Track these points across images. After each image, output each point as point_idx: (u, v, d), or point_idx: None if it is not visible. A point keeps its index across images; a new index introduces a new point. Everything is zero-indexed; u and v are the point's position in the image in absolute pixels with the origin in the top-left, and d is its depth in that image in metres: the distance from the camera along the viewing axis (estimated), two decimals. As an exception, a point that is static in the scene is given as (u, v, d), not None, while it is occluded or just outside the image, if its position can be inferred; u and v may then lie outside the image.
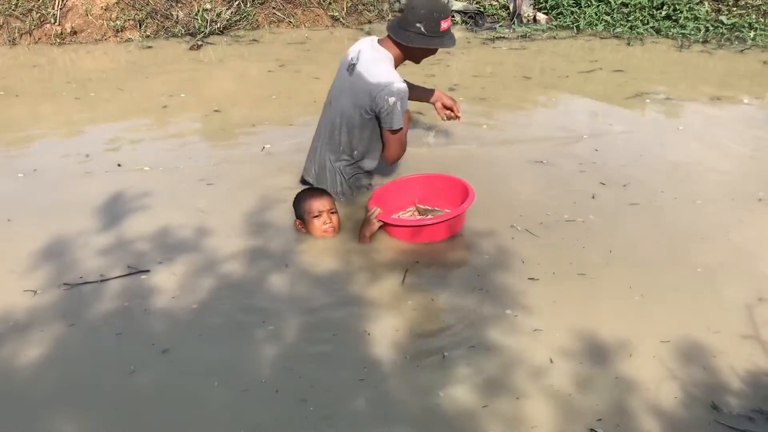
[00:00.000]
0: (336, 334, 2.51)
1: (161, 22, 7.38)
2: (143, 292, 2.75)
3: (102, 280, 2.83)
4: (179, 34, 7.28)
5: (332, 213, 3.17)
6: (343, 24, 7.85)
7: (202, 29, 7.24)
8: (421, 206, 3.45)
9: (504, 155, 4.17)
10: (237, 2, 7.63)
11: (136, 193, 3.62)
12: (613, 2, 7.90)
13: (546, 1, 8.14)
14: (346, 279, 2.87)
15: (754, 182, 3.76)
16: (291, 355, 2.41)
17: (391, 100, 3.13)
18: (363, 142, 3.38)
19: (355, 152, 3.41)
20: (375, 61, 3.24)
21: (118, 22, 7.20)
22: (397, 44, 3.25)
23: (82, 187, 3.73)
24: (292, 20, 7.83)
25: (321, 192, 3.24)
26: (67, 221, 3.30)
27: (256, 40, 7.22)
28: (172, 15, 7.41)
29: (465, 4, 8.15)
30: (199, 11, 7.42)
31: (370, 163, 3.51)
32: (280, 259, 3.01)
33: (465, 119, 3.99)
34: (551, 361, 2.33)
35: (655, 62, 6.60)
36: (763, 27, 7.51)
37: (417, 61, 3.39)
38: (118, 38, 7.22)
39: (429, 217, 3.33)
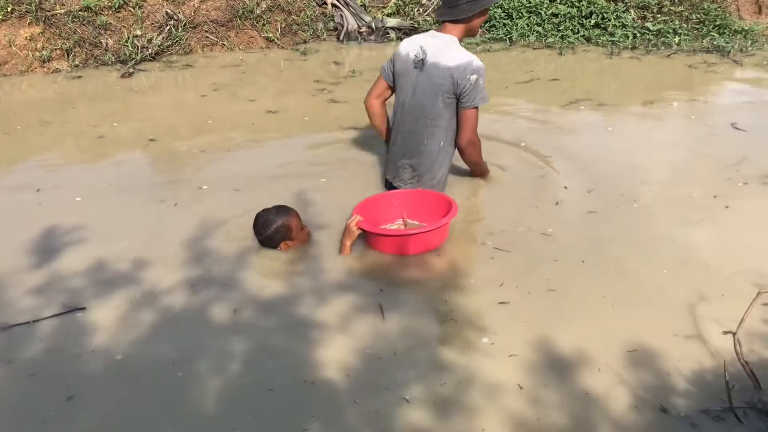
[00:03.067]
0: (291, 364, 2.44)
1: (90, 50, 7.18)
2: (78, 331, 2.62)
3: (34, 321, 2.68)
4: (109, 62, 7.08)
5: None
6: (278, 45, 7.79)
7: (133, 56, 7.07)
8: (409, 220, 3.42)
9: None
10: (168, 27, 7.49)
11: (69, 226, 3.48)
12: (543, 13, 8.05)
13: (478, 15, 8.24)
14: (300, 302, 2.79)
15: (697, 181, 3.85)
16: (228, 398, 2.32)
17: (473, 77, 3.26)
18: (447, 132, 3.47)
19: (442, 142, 3.49)
20: (443, 47, 3.34)
21: (44, 53, 6.97)
22: (455, 24, 3.35)
23: (15, 222, 3.58)
24: (225, 43, 7.72)
25: (288, 210, 3.17)
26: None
27: (189, 65, 7.09)
28: (101, 43, 7.22)
29: (399, 20, 8.20)
30: (129, 38, 7.25)
31: (451, 152, 3.58)
32: (226, 286, 2.92)
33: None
34: (520, 387, 2.27)
35: (588, 70, 6.75)
36: (686, 32, 7.78)
37: (476, 32, 3.47)
38: (45, 69, 6.98)
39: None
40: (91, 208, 3.74)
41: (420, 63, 3.38)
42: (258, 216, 3.17)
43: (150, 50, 7.21)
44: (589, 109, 5.32)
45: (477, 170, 3.79)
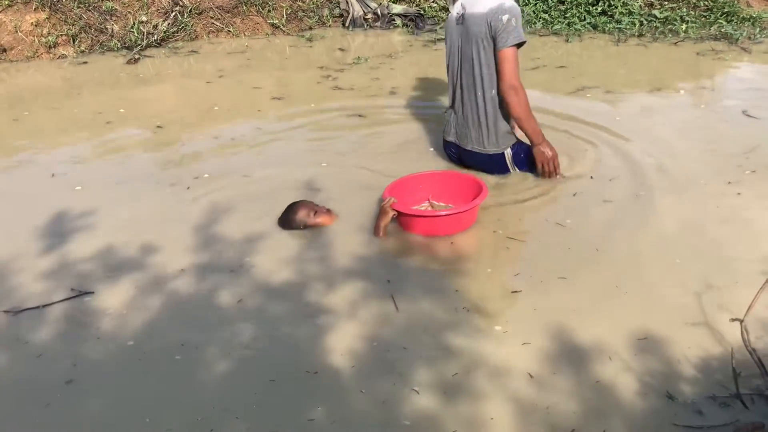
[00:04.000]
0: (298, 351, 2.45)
1: (96, 36, 7.18)
2: (86, 316, 2.64)
3: (43, 306, 2.70)
4: (115, 48, 7.09)
5: (318, 206, 3.30)
6: (284, 31, 7.77)
7: (139, 42, 7.07)
8: (435, 202, 3.45)
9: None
10: (174, 13, 7.48)
11: (78, 212, 3.50)
12: (550, 0, 8.01)
13: (485, 2, 8.19)
14: (309, 289, 2.80)
15: (709, 168, 3.83)
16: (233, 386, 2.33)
17: (505, 17, 3.32)
18: (495, 80, 3.51)
19: (493, 92, 3.53)
20: None
21: (50, 38, 6.97)
22: None
23: (25, 207, 3.61)
24: (231, 30, 7.71)
25: (296, 204, 3.30)
26: (11, 243, 3.17)
27: (195, 51, 7.08)
28: (106, 29, 7.21)
29: (405, 7, 8.16)
30: (134, 24, 7.25)
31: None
32: (234, 272, 2.93)
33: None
34: (531, 376, 2.26)
35: (595, 57, 6.72)
36: (693, 19, 7.73)
37: None
38: (51, 55, 6.99)
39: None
40: (101, 194, 3.76)
41: (461, 18, 3.50)
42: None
43: (156, 36, 7.21)
44: (596, 96, 5.30)
45: (524, 126, 3.55)
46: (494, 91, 3.53)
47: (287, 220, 3.29)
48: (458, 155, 3.80)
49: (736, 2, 8.23)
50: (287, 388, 2.24)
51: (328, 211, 3.33)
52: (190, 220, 3.39)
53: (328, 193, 3.63)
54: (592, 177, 3.75)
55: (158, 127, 4.82)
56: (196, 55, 6.97)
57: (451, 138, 3.78)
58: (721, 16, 7.84)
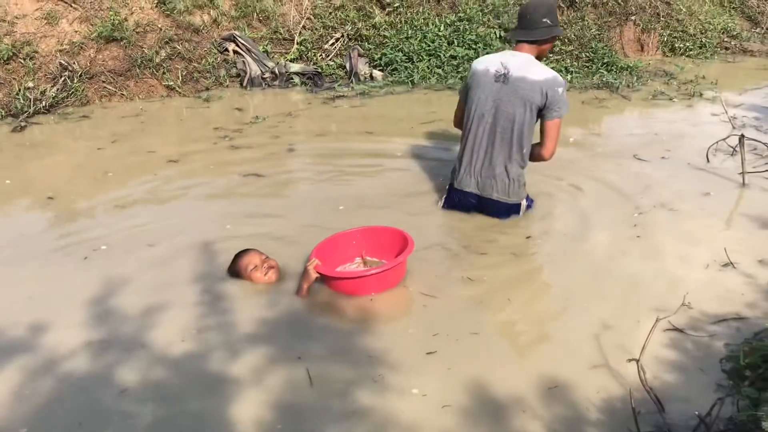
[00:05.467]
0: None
1: (-23, 104, 6.85)
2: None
3: None
4: (-1, 116, 6.77)
5: (266, 260, 3.28)
6: (180, 93, 7.67)
7: (26, 109, 6.78)
8: (369, 258, 3.43)
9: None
10: (63, 78, 7.25)
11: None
12: (442, 56, 8.31)
13: (380, 59, 8.41)
14: (211, 359, 2.71)
15: (613, 212, 4.09)
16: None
17: (560, 90, 3.65)
18: (529, 141, 3.81)
19: (524, 150, 3.82)
20: (527, 63, 3.70)
21: (-74, 108, 6.60)
22: (531, 45, 3.74)
23: None
24: (124, 93, 7.54)
25: (246, 251, 3.34)
26: None
27: (86, 116, 6.85)
28: (-11, 96, 6.90)
29: (302, 65, 8.25)
30: (20, 90, 6.97)
31: (527, 160, 3.89)
32: (132, 347, 2.80)
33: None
34: None
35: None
36: (577, 70, 8.20)
37: (543, 56, 3.87)
38: (-73, 125, 6.59)
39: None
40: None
41: (502, 77, 3.72)
42: None
43: (44, 102, 6.94)
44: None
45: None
46: (526, 150, 3.83)
47: (230, 267, 3.35)
48: (478, 204, 4.01)
49: (614, 53, 8.81)
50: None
51: (272, 268, 3.30)
52: (86, 294, 3.24)
53: (226, 256, 3.56)
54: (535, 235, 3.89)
55: (49, 198, 4.60)
56: (88, 120, 6.74)
57: (470, 189, 3.97)
58: (601, 66, 8.35)
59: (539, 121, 3.77)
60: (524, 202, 3.98)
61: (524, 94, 3.66)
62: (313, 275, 3.14)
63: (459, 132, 4.12)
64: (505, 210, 3.95)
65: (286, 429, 2.31)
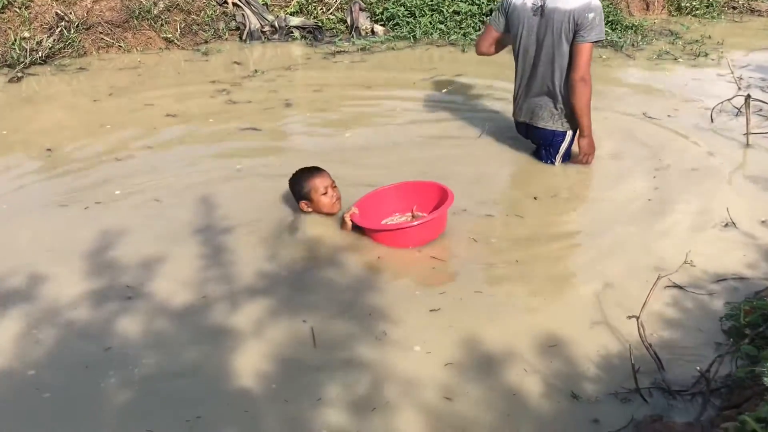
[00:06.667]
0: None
1: (-27, 54, 6.74)
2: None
3: None
4: (-5, 67, 6.67)
5: (334, 187, 3.24)
6: (178, 45, 7.55)
7: (22, 60, 6.68)
8: (419, 213, 3.43)
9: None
10: (59, 29, 7.13)
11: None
12: (445, 11, 8.16)
13: (382, 13, 8.27)
14: (213, 310, 2.71)
15: (621, 176, 4.02)
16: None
17: (591, 15, 3.64)
18: (566, 71, 3.85)
19: (565, 80, 3.86)
20: None
21: None
22: None
23: None
24: (122, 45, 7.42)
25: (319, 170, 3.28)
26: None
27: (83, 68, 6.75)
28: (-16, 46, 6.79)
29: (302, 19, 8.12)
30: (16, 40, 6.86)
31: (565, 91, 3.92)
32: (134, 295, 2.83)
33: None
34: (448, 398, 2.27)
35: (491, 65, 6.87)
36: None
37: None
38: None
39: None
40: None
41: (539, 10, 3.79)
42: None
43: (40, 53, 6.83)
44: (494, 101, 5.44)
45: (581, 115, 3.91)
46: (563, 80, 3.88)
47: (297, 182, 3.28)
48: (526, 132, 4.21)
49: (619, 12, 8.66)
50: (195, 411, 2.17)
51: (339, 198, 3.28)
52: (87, 244, 3.24)
53: (236, 204, 3.55)
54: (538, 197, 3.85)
55: (48, 149, 4.56)
56: (85, 72, 6.65)
57: (522, 119, 4.16)
58: (606, 24, 8.21)
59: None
60: (570, 132, 4.05)
61: (558, 25, 3.73)
62: (349, 224, 3.18)
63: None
64: (550, 138, 4.06)
65: (286, 381, 2.33)
